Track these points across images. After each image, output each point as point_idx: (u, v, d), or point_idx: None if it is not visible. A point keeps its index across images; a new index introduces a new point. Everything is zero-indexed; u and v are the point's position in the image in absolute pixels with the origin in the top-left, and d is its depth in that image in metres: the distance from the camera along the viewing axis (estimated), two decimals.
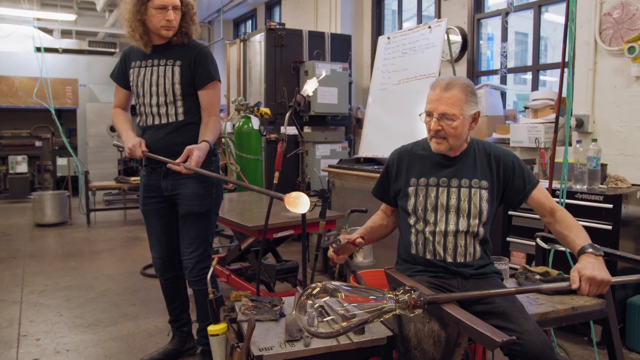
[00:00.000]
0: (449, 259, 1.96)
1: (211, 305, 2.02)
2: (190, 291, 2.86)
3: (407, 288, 1.53)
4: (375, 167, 4.15)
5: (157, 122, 2.47)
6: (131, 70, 2.50)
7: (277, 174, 2.45)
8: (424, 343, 1.72)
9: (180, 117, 2.45)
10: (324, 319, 1.43)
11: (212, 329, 2.00)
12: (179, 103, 2.42)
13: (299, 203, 1.77)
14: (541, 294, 2.18)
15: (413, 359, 1.81)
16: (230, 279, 3.76)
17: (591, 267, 1.65)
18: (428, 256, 1.97)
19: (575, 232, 1.84)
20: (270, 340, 1.80)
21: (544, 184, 3.22)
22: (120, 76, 2.56)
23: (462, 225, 1.94)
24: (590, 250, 1.73)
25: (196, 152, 2.28)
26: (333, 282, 1.48)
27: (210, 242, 2.61)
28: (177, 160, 2.28)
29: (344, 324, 1.43)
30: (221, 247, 5.09)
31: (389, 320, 1.89)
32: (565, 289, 1.68)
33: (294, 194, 1.77)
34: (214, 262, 2.12)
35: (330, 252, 1.75)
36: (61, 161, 9.20)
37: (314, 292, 1.44)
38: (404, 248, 2.07)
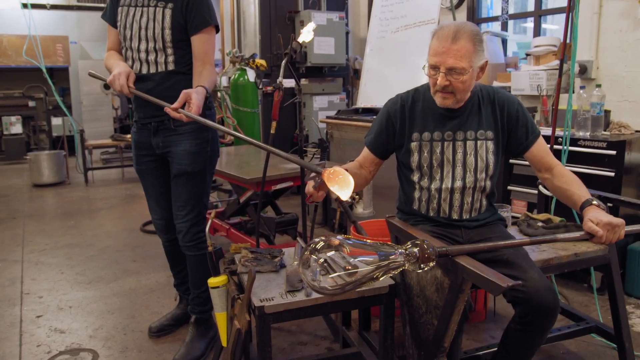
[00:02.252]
0: (455, 216, 1.91)
1: (210, 258, 1.99)
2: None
3: (416, 241, 1.47)
4: (374, 117, 4.10)
5: (144, 70, 2.25)
6: (119, 9, 2.29)
7: (274, 124, 2.36)
8: (427, 290, 1.71)
9: (170, 67, 2.23)
10: (329, 275, 1.38)
11: (212, 281, 1.96)
12: (169, 51, 2.21)
13: (341, 181, 1.52)
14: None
15: (415, 307, 1.80)
16: (230, 233, 3.73)
17: (604, 215, 1.62)
18: (431, 213, 1.93)
19: (576, 186, 1.78)
20: (271, 291, 1.80)
21: (546, 132, 3.19)
22: (112, 15, 2.34)
23: (469, 181, 1.88)
24: (595, 202, 1.69)
25: (195, 96, 2.05)
26: (338, 237, 1.43)
27: (206, 204, 2.47)
28: (174, 105, 2.03)
29: (350, 279, 1.38)
30: (220, 202, 5.06)
31: None
32: (581, 239, 1.63)
33: (335, 169, 1.55)
34: (212, 215, 2.08)
35: (310, 188, 1.62)
36: (56, 121, 9.07)
37: (318, 246, 1.39)
38: (405, 203, 2.02)
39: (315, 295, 1.72)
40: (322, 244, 1.40)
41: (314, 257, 1.39)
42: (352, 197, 3.29)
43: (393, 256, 1.43)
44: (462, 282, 1.49)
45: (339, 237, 1.44)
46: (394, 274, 1.56)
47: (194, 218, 2.40)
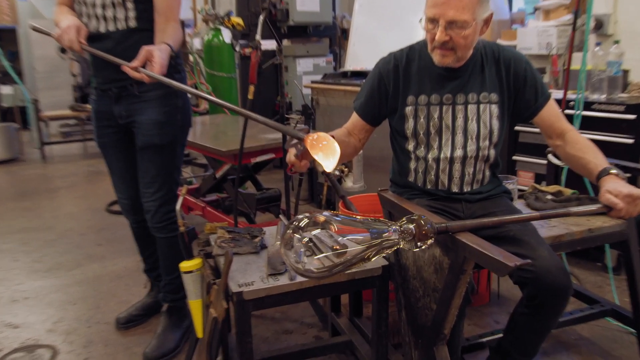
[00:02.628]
0: (454, 189, 1.90)
1: (182, 239, 1.97)
2: None
3: (412, 217, 1.45)
4: (364, 80, 4.11)
5: (101, 28, 2.18)
6: None
7: (251, 88, 2.33)
8: (424, 271, 1.70)
9: (132, 23, 2.16)
10: (315, 256, 1.37)
11: (184, 265, 1.95)
12: (130, 5, 2.14)
13: (326, 148, 1.48)
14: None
15: (412, 290, 1.79)
16: (206, 212, 3.73)
17: (623, 185, 1.59)
18: (429, 186, 1.92)
19: (592, 153, 1.75)
20: (251, 274, 1.78)
21: (556, 95, 3.17)
22: None
23: (471, 149, 1.86)
24: (614, 171, 1.65)
25: (157, 53, 1.99)
26: (324, 213, 1.41)
27: (177, 180, 2.45)
28: (134, 63, 1.96)
29: (338, 260, 1.36)
30: (194, 177, 5.02)
31: None
32: (598, 212, 1.59)
33: (319, 134, 1.51)
34: (183, 191, 2.05)
35: (291, 157, 1.59)
36: (5, 89, 8.87)
37: (302, 224, 1.37)
38: (399, 174, 2.01)
39: (300, 278, 1.71)
40: (306, 221, 1.38)
41: (298, 236, 1.37)
42: (340, 170, 3.28)
43: (386, 234, 1.41)
44: (463, 261, 1.47)
45: (326, 213, 1.42)
46: (388, 254, 1.54)
47: (164, 196, 2.38)
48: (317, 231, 1.38)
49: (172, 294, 2.54)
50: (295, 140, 1.56)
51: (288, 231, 1.38)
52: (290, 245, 1.38)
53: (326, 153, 1.47)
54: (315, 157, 1.47)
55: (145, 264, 2.74)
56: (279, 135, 3.33)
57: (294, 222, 1.39)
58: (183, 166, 5.03)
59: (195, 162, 5.11)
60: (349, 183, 3.27)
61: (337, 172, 3.15)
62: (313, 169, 4.02)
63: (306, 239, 1.37)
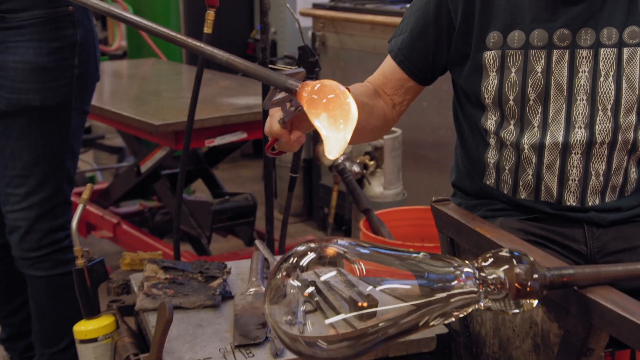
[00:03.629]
0: (571, 201, 1.85)
1: (82, 279, 1.91)
2: None
3: (502, 254, 1.39)
4: (408, 5, 4.07)
5: None
6: None
7: (209, 15, 2.31)
8: (514, 347, 1.64)
9: None
10: (325, 316, 1.33)
11: (80, 329, 1.90)
12: None
13: (335, 107, 1.39)
14: None
15: None
16: (121, 233, 3.75)
17: None
18: (522, 195, 1.88)
19: None
20: (205, 346, 1.77)
21: None
22: None
23: (603, 130, 1.82)
24: None
25: None
26: (339, 242, 1.38)
27: (69, 175, 2.48)
28: None
29: (367, 325, 1.32)
30: (99, 171, 4.96)
31: None
32: None
33: (324, 83, 1.42)
34: (86, 193, 1.99)
35: (274, 124, 1.54)
36: None
37: (302, 260, 1.34)
38: (468, 174, 1.99)
39: (290, 355, 1.69)
40: (311, 255, 1.35)
41: (295, 282, 1.34)
42: (362, 163, 3.22)
43: (455, 282, 1.37)
44: (588, 333, 1.40)
45: (342, 242, 1.38)
46: (456, 317, 1.45)
47: (44, 202, 2.41)
48: (329, 274, 1.36)
49: None
50: (282, 94, 1.47)
51: (278, 273, 1.35)
52: (282, 294, 1.35)
53: (333, 115, 1.36)
54: (316, 122, 1.36)
55: (5, 327, 2.73)
56: (256, 102, 3.27)
57: (290, 258, 1.35)
58: (81, 150, 4.98)
59: (101, 145, 5.06)
60: (376, 187, 3.24)
61: (355, 168, 3.09)
62: (312, 159, 3.96)
63: (311, 288, 1.34)
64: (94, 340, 1.92)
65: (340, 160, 2.93)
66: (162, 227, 3.95)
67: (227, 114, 3.17)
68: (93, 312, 1.98)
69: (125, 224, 3.75)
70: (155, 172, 3.69)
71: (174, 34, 1.58)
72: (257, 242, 2.19)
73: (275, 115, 1.53)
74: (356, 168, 3.10)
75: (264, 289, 1.99)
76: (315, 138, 3.76)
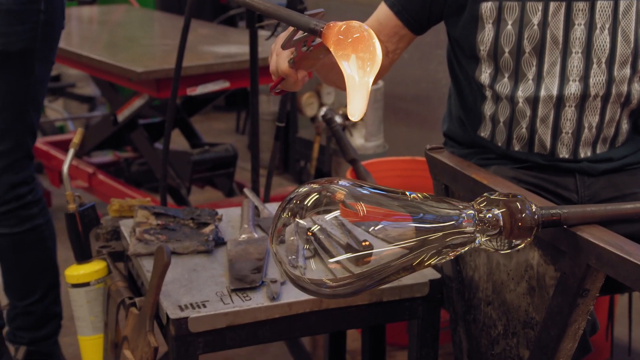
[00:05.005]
0: (564, 152, 1.87)
1: (72, 223, 1.91)
2: None
3: (495, 195, 1.42)
4: None
5: None
6: None
7: None
8: (507, 292, 1.67)
9: None
10: (326, 258, 1.36)
11: (72, 273, 1.90)
12: None
13: (359, 48, 1.37)
14: None
15: (484, 325, 1.75)
16: (96, 182, 3.73)
17: None
18: (516, 147, 1.90)
19: None
20: (201, 290, 1.77)
21: None
22: None
23: (597, 82, 1.83)
24: None
25: None
26: (340, 182, 1.40)
27: (33, 124, 2.44)
28: None
29: (363, 269, 1.35)
30: (70, 120, 4.91)
31: None
32: None
33: (351, 24, 1.39)
34: (76, 138, 1.97)
35: (284, 63, 1.53)
36: None
37: (308, 202, 1.36)
38: (462, 125, 2.00)
39: (286, 298, 1.72)
40: (315, 197, 1.36)
41: (304, 223, 1.35)
42: (344, 114, 3.21)
43: (453, 221, 1.38)
44: (585, 273, 1.43)
45: (344, 182, 1.40)
46: (453, 255, 1.48)
47: (9, 153, 2.37)
48: (331, 215, 1.38)
49: (30, 330, 2.50)
50: (300, 34, 1.45)
51: (284, 213, 1.36)
52: (280, 239, 1.37)
53: (361, 57, 1.35)
54: (342, 63, 1.35)
55: None
56: (238, 50, 3.24)
57: (294, 200, 1.37)
58: (48, 98, 4.88)
59: (72, 93, 5.00)
60: (357, 139, 3.23)
61: (338, 119, 3.08)
62: (290, 113, 3.93)
63: (317, 227, 1.35)
64: (87, 284, 1.92)
65: (324, 111, 2.92)
66: (138, 177, 3.91)
67: (210, 62, 3.15)
68: (85, 256, 1.98)
69: (101, 174, 3.71)
70: (133, 122, 3.65)
71: None
72: (246, 191, 2.20)
73: (283, 55, 1.53)
74: (338, 119, 3.08)
75: (256, 235, 1.99)
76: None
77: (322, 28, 1.36)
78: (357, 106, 1.32)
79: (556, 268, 1.52)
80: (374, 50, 1.33)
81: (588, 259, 1.41)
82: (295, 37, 1.45)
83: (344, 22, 1.36)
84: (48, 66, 2.41)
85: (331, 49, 1.34)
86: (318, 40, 1.47)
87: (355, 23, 1.36)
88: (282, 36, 1.56)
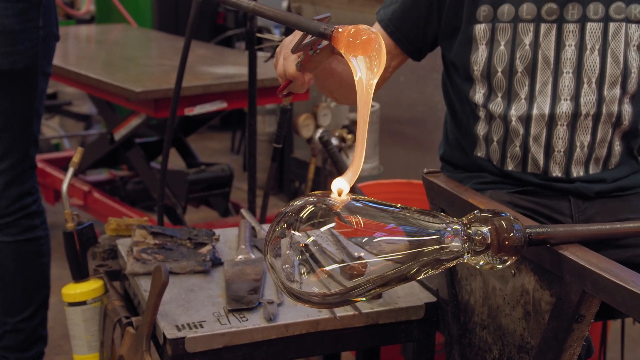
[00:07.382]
0: (556, 172, 1.90)
1: (70, 241, 1.91)
2: None
3: (485, 213, 1.43)
4: None
5: None
6: None
7: None
8: (504, 315, 1.67)
9: None
10: (316, 271, 1.37)
11: (69, 292, 1.91)
12: None
13: (367, 49, 1.43)
14: None
15: (478, 349, 1.76)
16: (91, 200, 3.76)
17: None
18: (510, 166, 1.92)
19: None
20: (198, 310, 1.79)
21: None
22: None
23: (588, 102, 1.86)
24: None
25: None
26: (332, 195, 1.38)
27: (35, 139, 2.46)
28: None
29: (355, 282, 1.36)
30: (66, 138, 4.91)
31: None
32: None
33: (359, 27, 1.45)
34: (76, 156, 1.98)
35: (292, 67, 1.57)
36: None
37: (304, 214, 1.35)
38: (458, 147, 2.03)
39: (283, 319, 1.75)
40: (311, 209, 1.36)
41: (299, 234, 1.36)
42: (340, 136, 3.25)
43: (442, 237, 1.40)
44: (581, 299, 1.43)
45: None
46: (442, 269, 1.48)
47: (14, 166, 2.40)
48: (322, 233, 1.38)
49: (17, 351, 2.50)
50: (309, 38, 1.50)
51: (278, 226, 1.36)
52: (276, 250, 1.38)
53: (370, 58, 1.41)
54: (354, 62, 1.41)
55: None
56: (236, 71, 3.25)
57: (289, 212, 1.36)
58: (47, 116, 4.87)
59: (68, 111, 5.00)
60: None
61: (333, 140, 3.11)
62: (286, 138, 3.94)
63: (311, 239, 1.36)
64: (83, 303, 1.93)
65: (321, 133, 2.95)
66: (133, 196, 3.92)
67: (208, 83, 3.18)
68: (82, 275, 1.98)
69: (96, 192, 3.72)
70: (129, 140, 3.66)
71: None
72: (243, 211, 2.21)
73: (291, 58, 1.57)
74: (334, 141, 3.12)
75: (253, 256, 2.02)
76: (292, 110, 3.76)
77: (332, 32, 1.41)
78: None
79: (552, 293, 1.53)
80: (380, 50, 1.39)
81: (584, 285, 1.43)
82: (307, 41, 1.49)
83: (353, 25, 1.42)
84: (47, 79, 2.45)
85: (342, 52, 1.40)
86: (324, 43, 1.56)
87: (363, 26, 1.42)
88: (289, 40, 1.63)
